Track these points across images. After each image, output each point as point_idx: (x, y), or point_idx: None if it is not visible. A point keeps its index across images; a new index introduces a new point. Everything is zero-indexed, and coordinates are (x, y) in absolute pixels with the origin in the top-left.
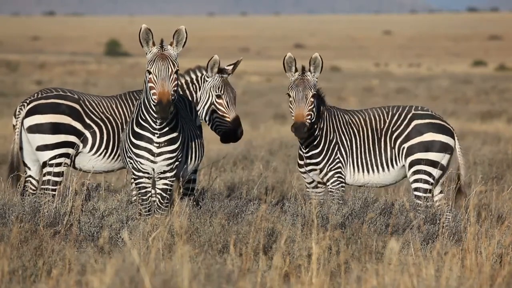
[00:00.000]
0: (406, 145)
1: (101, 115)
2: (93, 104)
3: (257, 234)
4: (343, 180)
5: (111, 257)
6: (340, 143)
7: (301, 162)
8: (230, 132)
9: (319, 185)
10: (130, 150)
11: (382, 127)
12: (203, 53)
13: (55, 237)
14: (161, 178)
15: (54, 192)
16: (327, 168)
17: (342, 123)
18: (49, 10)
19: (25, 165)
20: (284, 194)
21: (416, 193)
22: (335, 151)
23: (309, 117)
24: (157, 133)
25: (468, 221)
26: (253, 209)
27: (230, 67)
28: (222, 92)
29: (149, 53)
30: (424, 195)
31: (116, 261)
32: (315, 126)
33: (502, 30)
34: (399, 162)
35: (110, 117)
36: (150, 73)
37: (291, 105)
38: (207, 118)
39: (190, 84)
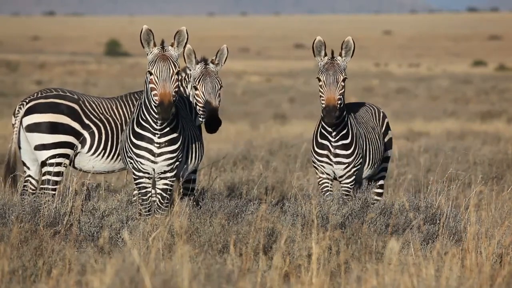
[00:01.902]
0: (384, 142)
1: (101, 115)
2: (93, 104)
3: (257, 234)
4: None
5: (111, 257)
6: (359, 137)
7: (323, 152)
8: (207, 121)
9: (330, 178)
10: (131, 150)
11: (373, 126)
12: (203, 53)
13: (55, 237)
14: (161, 178)
15: (53, 192)
16: (354, 163)
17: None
18: (49, 10)
19: (24, 164)
20: (284, 194)
21: (378, 190)
22: (358, 145)
23: (339, 101)
24: (157, 134)
25: (468, 221)
26: (253, 209)
27: (216, 58)
28: (197, 83)
29: (150, 53)
30: (383, 190)
31: (116, 261)
32: (344, 114)
33: (502, 30)
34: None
35: (110, 118)
36: (151, 74)
37: (321, 89)
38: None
39: (183, 81)
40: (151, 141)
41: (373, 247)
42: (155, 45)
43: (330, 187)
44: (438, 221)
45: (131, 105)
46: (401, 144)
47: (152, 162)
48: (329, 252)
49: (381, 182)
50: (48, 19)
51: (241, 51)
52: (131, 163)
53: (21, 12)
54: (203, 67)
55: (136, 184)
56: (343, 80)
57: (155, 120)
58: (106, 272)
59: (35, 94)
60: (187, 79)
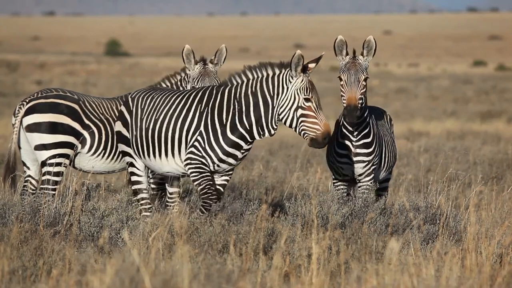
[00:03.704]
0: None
1: (101, 116)
2: (93, 105)
3: (257, 234)
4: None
5: (111, 257)
6: (379, 138)
7: (343, 152)
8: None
9: (346, 180)
10: (219, 156)
11: (387, 128)
12: (204, 53)
13: (55, 237)
14: (223, 175)
15: (53, 192)
16: (373, 161)
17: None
18: (49, 10)
19: (24, 164)
20: (284, 194)
21: (384, 192)
22: (378, 144)
23: (361, 100)
24: (249, 142)
25: (468, 221)
26: (253, 209)
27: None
28: (196, 83)
29: (299, 80)
30: (387, 192)
31: (116, 261)
32: (365, 113)
33: (502, 30)
34: None
35: (110, 118)
36: (308, 101)
37: (342, 89)
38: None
39: (182, 81)
40: (240, 148)
41: (373, 247)
42: (302, 71)
43: (346, 191)
44: (438, 221)
45: None
46: (401, 144)
47: (232, 165)
48: (329, 252)
49: (386, 184)
50: (48, 19)
51: (241, 51)
52: (206, 166)
53: (21, 12)
54: (202, 67)
55: (205, 180)
56: (365, 80)
57: (263, 133)
58: (106, 272)
59: (35, 94)
60: (186, 79)
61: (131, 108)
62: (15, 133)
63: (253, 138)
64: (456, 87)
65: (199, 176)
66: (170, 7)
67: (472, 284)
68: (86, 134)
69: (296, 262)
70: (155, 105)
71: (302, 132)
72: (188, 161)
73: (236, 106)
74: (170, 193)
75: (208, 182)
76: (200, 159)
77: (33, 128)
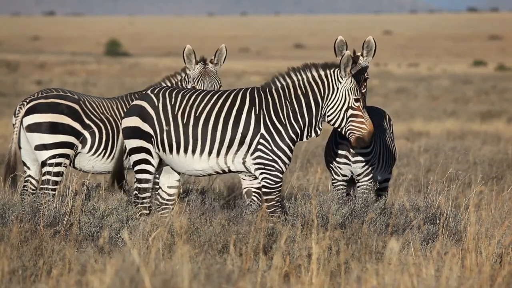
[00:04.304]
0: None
1: (101, 115)
2: (93, 104)
3: (257, 234)
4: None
5: (111, 257)
6: (377, 137)
7: (342, 152)
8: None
9: (345, 180)
10: (287, 154)
11: (385, 127)
12: (204, 53)
13: (55, 237)
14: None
15: (53, 192)
16: (372, 161)
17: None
18: (49, 10)
19: (24, 164)
20: (284, 194)
21: (384, 192)
22: (376, 144)
23: None
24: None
25: (468, 221)
26: (253, 209)
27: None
28: (196, 83)
29: (349, 81)
30: (387, 193)
31: (116, 261)
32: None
33: (502, 30)
34: None
35: (110, 118)
36: (357, 101)
37: None
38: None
39: (182, 82)
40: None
41: (373, 247)
42: (351, 72)
43: (345, 190)
44: (438, 221)
45: None
46: (401, 144)
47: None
48: (329, 252)
49: (385, 184)
50: (48, 19)
51: (241, 51)
52: (281, 167)
53: (21, 12)
54: (202, 67)
55: (277, 195)
56: (365, 80)
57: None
58: (106, 272)
59: (36, 94)
60: (186, 79)
61: (156, 104)
62: (15, 133)
63: (301, 138)
64: (456, 87)
65: (272, 187)
66: (170, 7)
67: (472, 284)
68: (86, 134)
69: (296, 262)
70: (191, 102)
71: (349, 131)
72: (260, 166)
73: (289, 107)
74: (170, 194)
75: (278, 199)
76: (272, 163)
77: (34, 128)
